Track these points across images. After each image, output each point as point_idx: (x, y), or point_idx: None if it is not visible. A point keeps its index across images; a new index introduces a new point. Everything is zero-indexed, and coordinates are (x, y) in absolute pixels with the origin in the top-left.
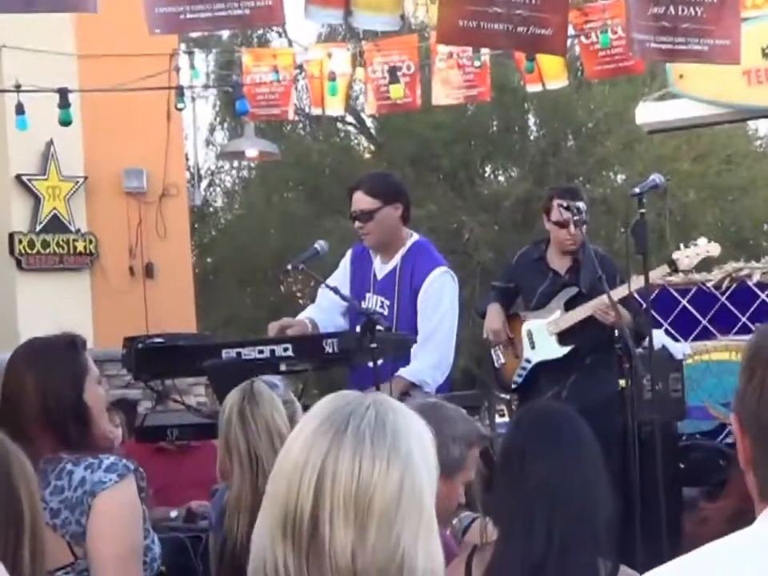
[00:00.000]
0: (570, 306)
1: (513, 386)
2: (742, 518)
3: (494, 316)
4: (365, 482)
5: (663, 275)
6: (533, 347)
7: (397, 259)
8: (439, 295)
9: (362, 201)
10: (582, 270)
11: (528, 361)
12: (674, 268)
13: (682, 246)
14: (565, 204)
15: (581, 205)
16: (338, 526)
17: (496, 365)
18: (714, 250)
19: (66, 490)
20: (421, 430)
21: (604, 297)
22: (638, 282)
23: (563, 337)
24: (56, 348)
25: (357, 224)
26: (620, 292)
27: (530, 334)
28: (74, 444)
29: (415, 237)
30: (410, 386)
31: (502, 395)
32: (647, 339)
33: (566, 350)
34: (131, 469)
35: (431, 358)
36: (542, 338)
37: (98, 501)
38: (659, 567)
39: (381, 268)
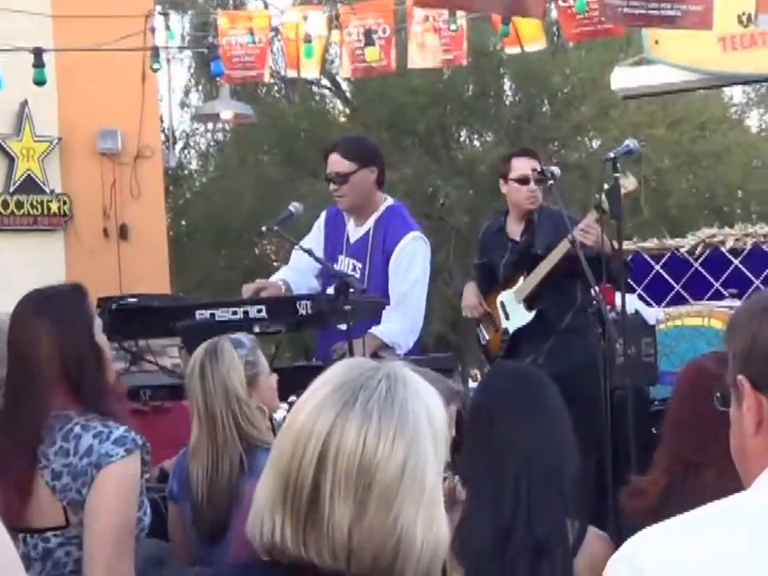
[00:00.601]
0: (531, 269)
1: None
2: (674, 489)
3: (469, 293)
4: (368, 459)
5: (595, 219)
6: (507, 318)
7: (370, 223)
8: (411, 260)
9: (337, 163)
10: (538, 232)
11: (506, 332)
12: (602, 211)
13: (605, 185)
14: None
15: (555, 169)
16: (338, 501)
17: (482, 342)
18: (630, 184)
19: (71, 454)
20: (431, 403)
21: (561, 245)
22: (590, 217)
23: (530, 301)
24: (66, 295)
25: (331, 186)
26: (593, 214)
27: (503, 305)
28: (88, 392)
29: (389, 201)
30: (382, 345)
31: None
32: (621, 305)
33: (532, 314)
34: (139, 444)
35: (404, 321)
36: (513, 306)
37: (102, 474)
38: (649, 528)
39: (354, 231)
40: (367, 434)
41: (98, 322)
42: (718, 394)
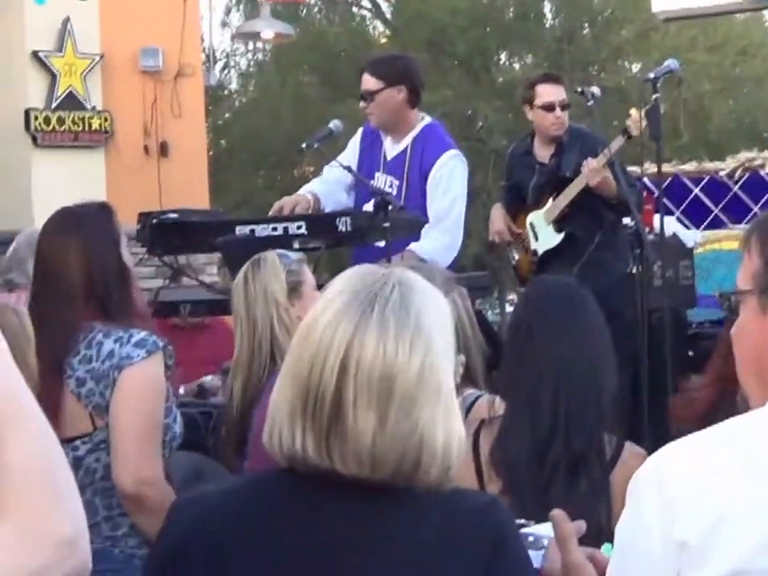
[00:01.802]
0: (559, 192)
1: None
2: (723, 399)
3: (496, 217)
4: (388, 367)
5: (620, 144)
6: (536, 239)
7: (407, 140)
8: (450, 178)
9: (367, 81)
10: (566, 154)
11: (535, 253)
12: (628, 136)
13: (633, 111)
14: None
15: (595, 89)
16: (361, 410)
17: (513, 262)
18: (635, 128)
19: (93, 360)
20: (441, 307)
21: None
22: (617, 142)
23: (559, 223)
24: (94, 213)
25: (361, 104)
26: (601, 159)
27: (532, 226)
28: (114, 308)
29: (427, 119)
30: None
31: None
32: (660, 228)
33: (561, 236)
34: (160, 346)
35: (443, 238)
36: (542, 228)
37: (123, 375)
38: (671, 443)
39: (391, 148)
40: (386, 342)
41: (124, 239)
42: (727, 302)
